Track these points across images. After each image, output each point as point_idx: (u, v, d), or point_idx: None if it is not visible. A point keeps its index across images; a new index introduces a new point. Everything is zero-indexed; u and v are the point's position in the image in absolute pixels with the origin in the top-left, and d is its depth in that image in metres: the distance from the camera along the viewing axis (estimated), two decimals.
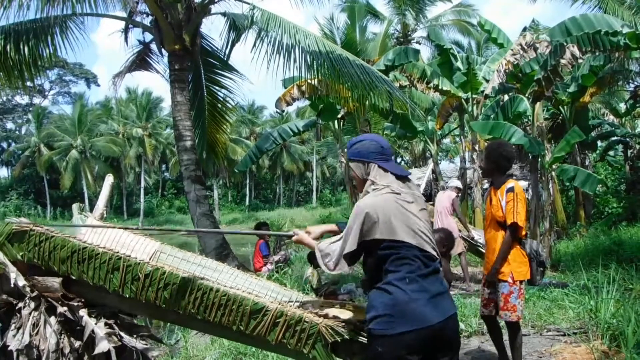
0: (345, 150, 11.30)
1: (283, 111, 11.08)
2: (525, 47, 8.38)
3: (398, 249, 1.94)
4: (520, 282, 3.30)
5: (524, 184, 12.19)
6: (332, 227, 2.39)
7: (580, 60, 8.03)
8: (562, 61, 7.57)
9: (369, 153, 2.09)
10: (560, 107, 11.58)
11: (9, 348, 2.22)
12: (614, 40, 6.95)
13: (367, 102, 8.05)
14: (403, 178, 2.08)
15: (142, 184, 37.08)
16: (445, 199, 7.16)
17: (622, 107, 16.57)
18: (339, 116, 11.03)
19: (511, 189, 3.30)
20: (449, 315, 1.95)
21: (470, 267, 8.10)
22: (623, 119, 17.35)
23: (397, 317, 1.89)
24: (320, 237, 2.34)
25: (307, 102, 11.66)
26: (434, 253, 2.02)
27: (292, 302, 2.32)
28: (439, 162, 16.69)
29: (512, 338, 3.40)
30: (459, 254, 6.98)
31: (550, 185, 9.26)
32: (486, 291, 3.48)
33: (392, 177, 2.05)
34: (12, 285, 2.28)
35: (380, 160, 2.07)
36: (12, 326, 2.29)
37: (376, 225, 1.94)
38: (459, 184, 7.60)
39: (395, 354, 1.89)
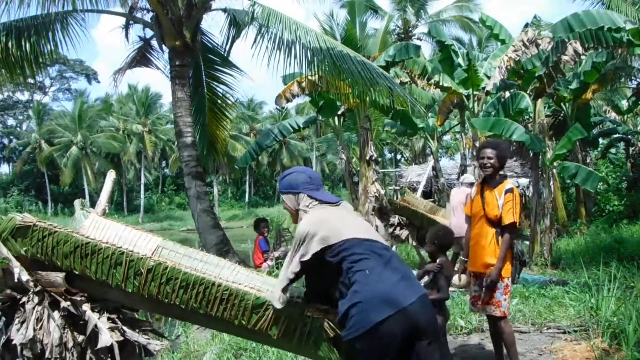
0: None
1: (283, 108, 11.05)
2: (527, 44, 8.36)
3: (348, 249, 2.00)
4: (508, 278, 3.34)
5: (524, 181, 12.22)
6: None
7: (582, 57, 8.01)
8: (564, 58, 7.55)
9: (298, 184, 2.22)
10: (561, 104, 11.56)
11: (13, 342, 2.23)
12: (616, 37, 6.93)
13: (367, 99, 8.03)
14: (333, 204, 2.19)
15: (142, 180, 37.10)
16: (461, 194, 7.16)
17: (624, 104, 16.55)
18: (339, 113, 11.01)
19: (510, 190, 3.35)
20: (418, 295, 1.96)
21: None
22: (625, 116, 17.34)
23: (369, 310, 1.90)
24: None
25: (307, 99, 11.65)
26: (384, 242, 2.10)
27: (293, 297, 2.33)
28: (439, 159, 16.70)
29: (501, 334, 3.41)
30: None
31: (551, 183, 9.25)
32: (473, 288, 3.51)
33: (322, 203, 2.18)
34: (16, 280, 2.29)
35: (309, 190, 2.20)
36: (16, 320, 2.29)
37: (318, 235, 2.02)
38: (472, 179, 7.60)
39: (376, 348, 1.90)
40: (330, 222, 2.07)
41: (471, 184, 7.38)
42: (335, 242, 2.01)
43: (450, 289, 6.30)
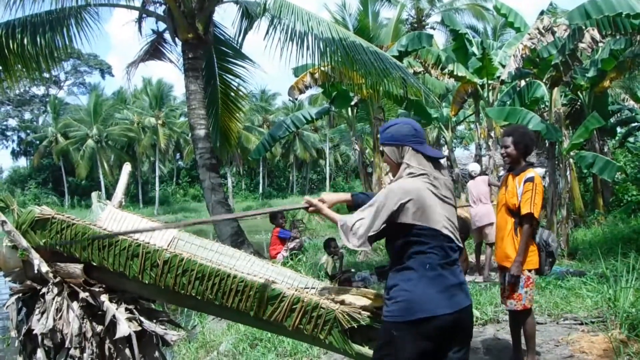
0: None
1: (296, 99, 11.04)
2: (543, 31, 8.17)
3: (425, 236, 1.94)
4: (529, 270, 3.26)
5: (540, 171, 12.06)
6: (347, 197, 2.33)
7: (600, 44, 7.83)
8: (581, 45, 7.38)
9: (402, 136, 2.07)
10: (578, 92, 11.33)
11: (34, 332, 2.29)
12: (635, 23, 6.75)
13: (380, 89, 7.97)
14: (436, 161, 2.07)
15: (157, 172, 37.47)
16: (481, 184, 7.10)
17: None
18: (352, 103, 10.96)
19: (531, 179, 3.23)
20: (463, 306, 1.95)
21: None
22: None
23: (413, 304, 1.89)
24: (333, 206, 2.28)
25: (320, 90, 11.61)
26: (458, 243, 2.02)
27: (308, 288, 2.34)
28: (454, 149, 16.56)
29: (523, 327, 3.37)
30: (490, 244, 6.71)
31: (567, 173, 9.10)
32: (499, 280, 3.45)
33: (426, 161, 2.03)
34: (36, 271, 2.34)
35: (414, 143, 2.05)
36: (37, 311, 2.35)
37: (407, 210, 1.92)
38: (477, 168, 7.51)
39: (409, 340, 1.90)
40: (424, 201, 1.95)
41: (480, 175, 7.31)
42: (422, 225, 1.93)
43: (467, 278, 6.25)
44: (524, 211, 3.21)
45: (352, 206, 2.28)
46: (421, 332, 1.89)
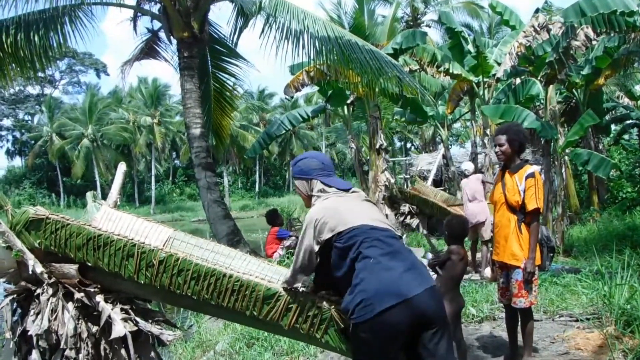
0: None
1: (292, 97, 11.05)
2: (538, 29, 8.20)
3: (355, 237, 1.99)
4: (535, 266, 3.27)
5: (536, 168, 12.09)
6: None
7: (594, 42, 7.86)
8: (576, 43, 7.41)
9: (310, 170, 2.22)
10: (573, 90, 11.38)
11: (29, 333, 2.27)
12: (629, 21, 6.79)
13: (376, 87, 7.98)
14: (345, 191, 2.19)
15: (153, 171, 37.35)
16: (475, 182, 7.06)
17: (638, 89, 16.25)
18: (349, 101, 10.97)
19: (532, 175, 3.24)
20: (426, 287, 1.92)
21: None
22: (638, 102, 17.03)
23: (369, 301, 1.88)
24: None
25: (316, 88, 11.61)
26: (393, 230, 2.09)
27: (304, 287, 2.33)
28: (450, 147, 16.59)
29: (524, 324, 3.38)
30: (488, 241, 6.69)
31: (563, 170, 9.16)
32: (501, 280, 3.43)
33: (334, 190, 2.18)
34: (30, 272, 2.32)
35: (321, 177, 2.20)
36: (32, 312, 2.34)
37: (327, 223, 2.02)
38: (471, 167, 7.47)
39: (377, 337, 1.88)
40: (339, 210, 2.06)
41: (474, 174, 7.28)
42: (343, 230, 1.99)
43: (465, 277, 6.27)
44: (530, 207, 3.20)
45: None
46: (385, 326, 1.87)
